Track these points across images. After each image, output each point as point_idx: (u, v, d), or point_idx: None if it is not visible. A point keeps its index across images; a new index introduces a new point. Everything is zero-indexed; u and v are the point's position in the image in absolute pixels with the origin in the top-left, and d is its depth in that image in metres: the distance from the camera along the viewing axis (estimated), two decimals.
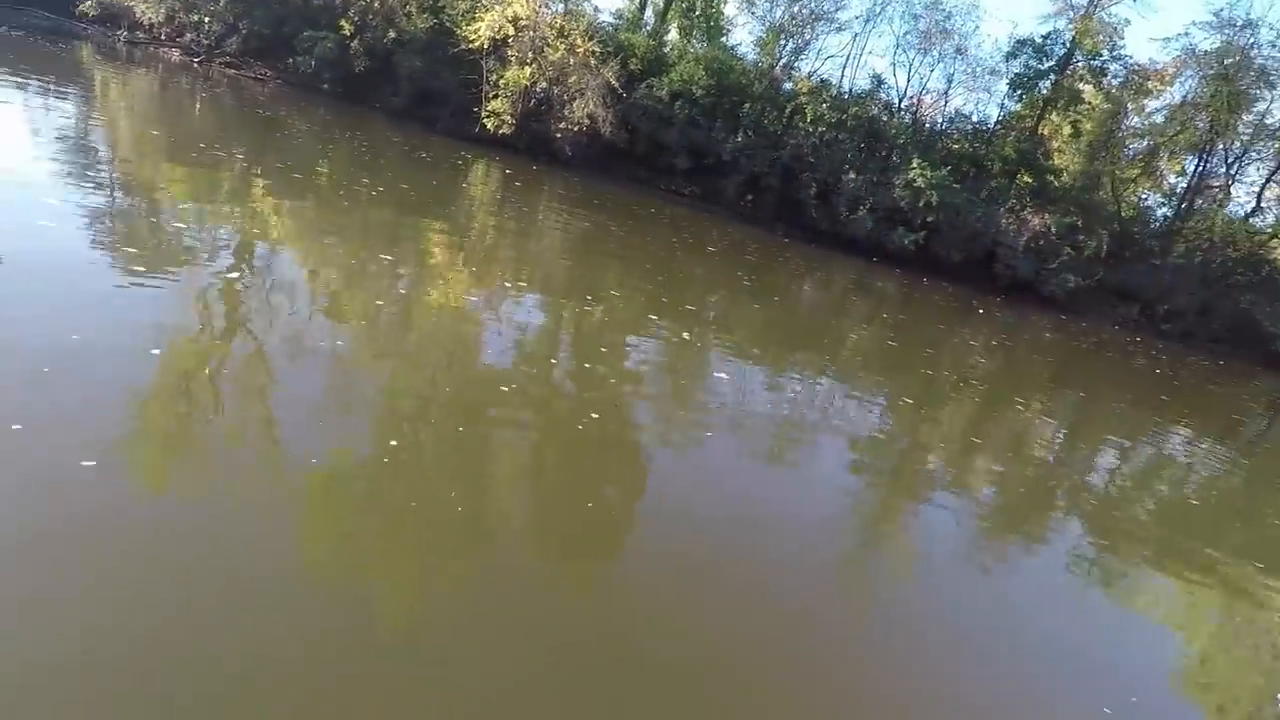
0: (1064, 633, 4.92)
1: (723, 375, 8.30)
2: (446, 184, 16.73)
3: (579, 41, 22.77)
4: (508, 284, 9.78)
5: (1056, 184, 24.68)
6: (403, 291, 8.19)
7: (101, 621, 2.98)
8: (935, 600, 4.93)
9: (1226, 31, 23.55)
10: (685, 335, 9.41)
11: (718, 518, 5.18)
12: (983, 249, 22.97)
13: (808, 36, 26.86)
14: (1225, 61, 23.15)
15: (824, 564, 4.98)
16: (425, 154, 19.46)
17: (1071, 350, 17.62)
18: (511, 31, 22.53)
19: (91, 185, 8.86)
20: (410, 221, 11.90)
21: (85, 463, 3.88)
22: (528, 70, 22.53)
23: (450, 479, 4.76)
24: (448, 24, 23.98)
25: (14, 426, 4.01)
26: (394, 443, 4.96)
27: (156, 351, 5.36)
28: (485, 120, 23.10)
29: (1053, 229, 22.43)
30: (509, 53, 22.78)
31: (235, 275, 7.23)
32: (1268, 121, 24.31)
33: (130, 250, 7.07)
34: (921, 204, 22.28)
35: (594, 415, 6.21)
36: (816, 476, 6.54)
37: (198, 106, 17.74)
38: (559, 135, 23.12)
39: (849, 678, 3.82)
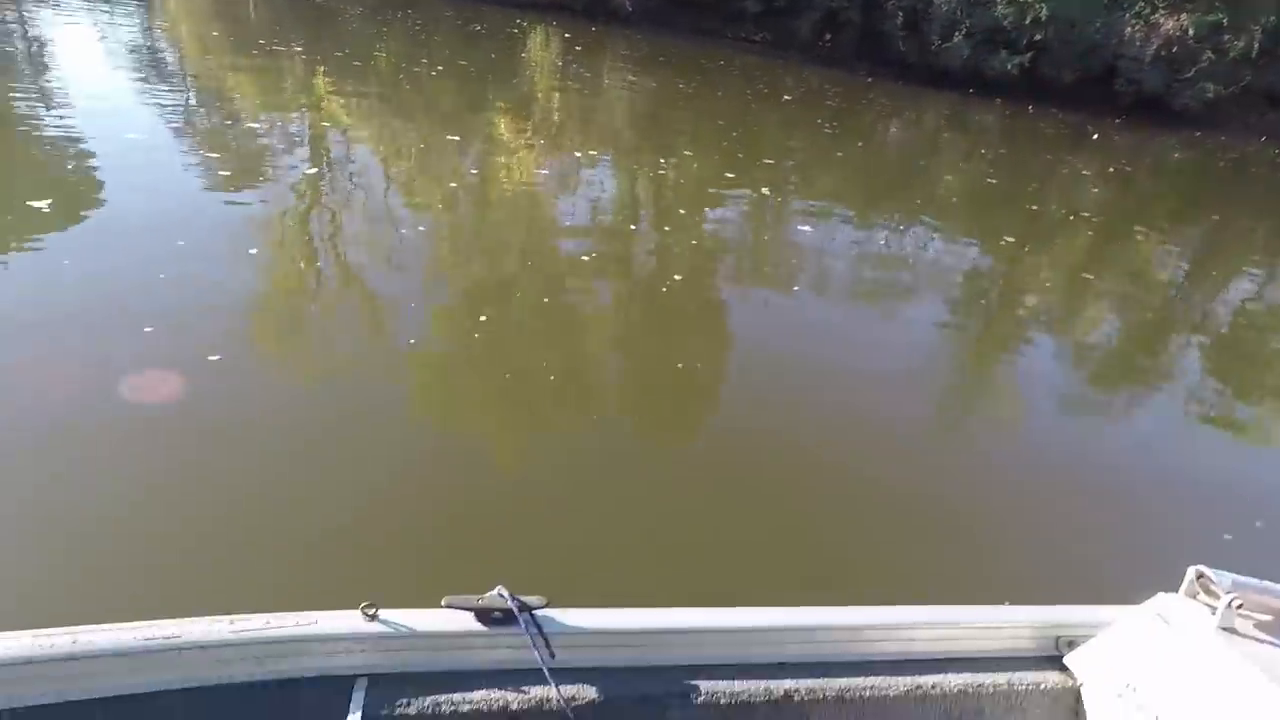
0: (1181, 466, 4.70)
1: (806, 228, 7.94)
2: (505, 55, 16.11)
3: None
4: (578, 153, 9.52)
5: None
6: (474, 171, 8.11)
7: (249, 485, 3.27)
8: (1042, 439, 4.77)
9: None
10: (765, 190, 8.99)
11: (809, 368, 5.10)
12: (1101, 64, 20.36)
13: None
14: None
15: (922, 410, 4.87)
16: (480, 26, 18.69)
17: (1204, 171, 15.80)
18: None
19: (167, 92, 9.03)
20: (473, 97, 11.62)
21: (211, 357, 4.14)
22: None
23: (540, 349, 4.86)
24: None
25: (146, 329, 4.32)
26: (483, 318, 5.07)
27: (254, 251, 5.58)
28: None
29: (1190, 31, 19.51)
30: None
31: (312, 170, 7.33)
32: None
33: (214, 155, 7.24)
34: (1028, 20, 19.77)
35: (676, 277, 6.12)
36: (912, 322, 6.29)
37: (251, 4, 17.50)
38: None
39: (950, 518, 3.80)
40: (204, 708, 1.17)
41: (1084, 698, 1.57)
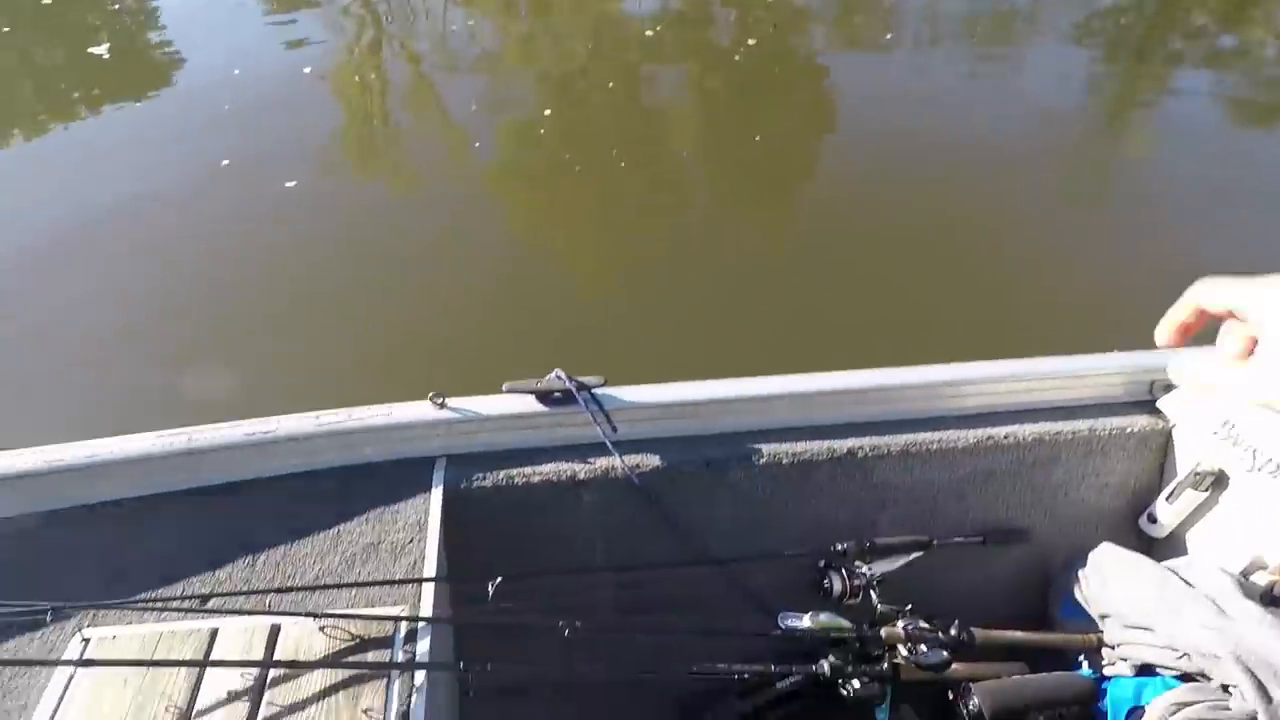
0: None
1: None
2: None
3: None
4: None
5: None
6: None
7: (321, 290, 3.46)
8: (1181, 179, 4.18)
9: None
10: None
11: (906, 129, 4.62)
12: None
13: None
14: None
15: (1039, 171, 4.31)
16: None
17: None
18: None
19: None
20: None
21: (288, 184, 4.24)
22: None
23: (608, 136, 4.65)
24: None
25: (224, 163, 4.44)
26: (548, 111, 4.86)
27: (308, 70, 5.46)
28: None
29: None
30: None
31: None
32: None
33: None
34: None
35: (750, 42, 5.54)
36: (1030, 70, 5.48)
37: None
38: None
39: (1074, 274, 3.50)
40: (303, 490, 1.31)
41: (1175, 439, 1.50)
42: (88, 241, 3.75)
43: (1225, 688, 1.15)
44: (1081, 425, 1.48)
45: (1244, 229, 3.51)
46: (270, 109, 4.95)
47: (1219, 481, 1.40)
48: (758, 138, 4.59)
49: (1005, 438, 1.46)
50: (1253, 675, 1.08)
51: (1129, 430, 1.50)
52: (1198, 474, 1.40)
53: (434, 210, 4.03)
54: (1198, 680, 1.19)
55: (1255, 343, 0.48)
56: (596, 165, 4.32)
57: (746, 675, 1.26)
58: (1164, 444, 1.52)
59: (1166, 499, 1.46)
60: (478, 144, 4.64)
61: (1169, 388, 1.53)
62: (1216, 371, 0.50)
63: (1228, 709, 1.14)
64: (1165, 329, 0.52)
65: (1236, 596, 1.19)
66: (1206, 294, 0.50)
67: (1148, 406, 1.54)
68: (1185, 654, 1.19)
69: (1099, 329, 2.89)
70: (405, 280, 3.45)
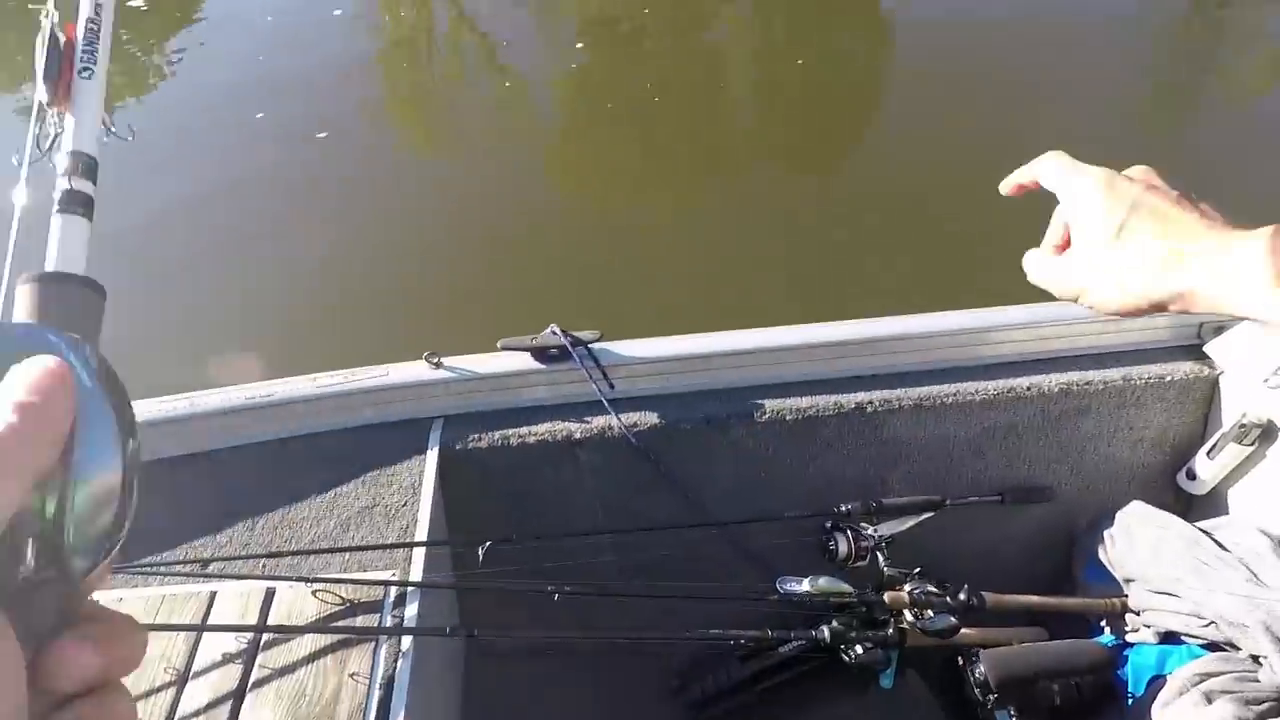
0: None
1: None
2: None
3: None
4: None
5: None
6: None
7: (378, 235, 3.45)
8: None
9: None
10: None
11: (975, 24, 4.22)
12: None
13: None
14: None
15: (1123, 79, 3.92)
16: None
17: None
18: None
19: None
20: None
21: (319, 135, 4.22)
22: None
23: (642, 73, 4.46)
24: None
25: (258, 115, 4.44)
26: (579, 45, 4.69)
27: (339, 12, 5.38)
28: None
29: None
30: None
31: None
32: None
33: None
34: None
35: None
36: None
37: None
38: None
39: None
40: (302, 454, 1.32)
41: (1221, 388, 1.38)
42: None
43: (1255, 658, 1.08)
44: (1115, 374, 1.37)
45: None
46: (310, 56, 4.89)
47: (1267, 434, 1.28)
48: (800, 60, 4.33)
49: (1028, 389, 1.37)
50: None
51: (1169, 378, 1.38)
52: (1243, 425, 1.28)
53: (432, 165, 3.93)
54: (1225, 650, 1.12)
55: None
56: (629, 101, 4.16)
57: (744, 641, 1.24)
58: (1209, 393, 1.40)
59: (1208, 453, 1.35)
60: (508, 83, 4.52)
61: (1220, 330, 1.40)
62: (1036, 260, 0.49)
63: (1256, 680, 1.06)
64: (1006, 183, 0.52)
65: (1273, 561, 1.10)
66: (1043, 169, 0.48)
67: (1194, 351, 1.42)
68: (1212, 622, 1.11)
69: None
70: (400, 236, 3.36)
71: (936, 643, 1.26)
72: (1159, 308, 0.42)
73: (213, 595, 1.15)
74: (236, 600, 1.14)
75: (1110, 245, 0.43)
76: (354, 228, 3.42)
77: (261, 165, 3.92)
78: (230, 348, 2.67)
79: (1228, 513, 1.34)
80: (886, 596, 1.26)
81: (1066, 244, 0.47)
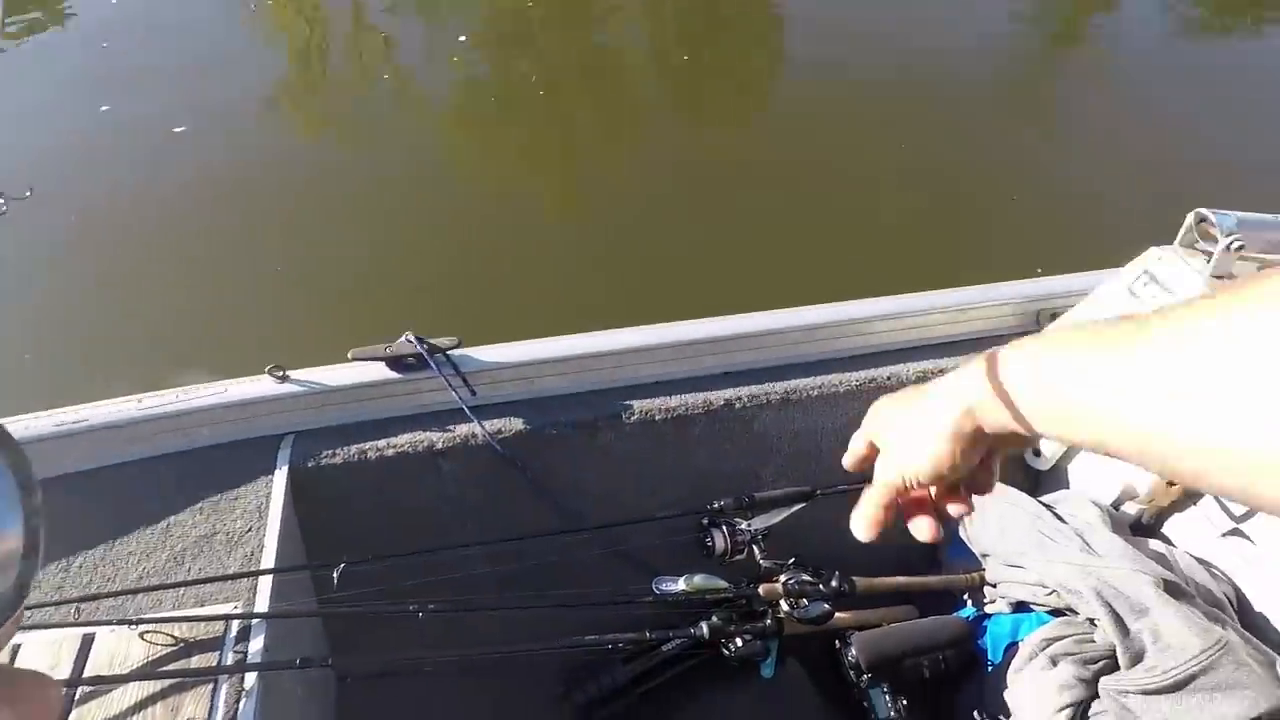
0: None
1: None
2: None
3: None
4: None
5: None
6: None
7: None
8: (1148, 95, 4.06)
9: None
10: None
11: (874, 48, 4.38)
12: None
13: None
14: None
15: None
16: None
17: None
18: None
19: None
20: None
21: (176, 129, 3.89)
22: None
23: (525, 55, 4.38)
24: None
25: (103, 108, 4.06)
26: (462, 38, 4.55)
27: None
28: None
29: None
30: None
31: None
32: None
33: None
34: None
35: None
36: None
37: None
38: None
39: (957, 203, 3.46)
40: (127, 483, 1.20)
41: None
42: None
43: (1091, 620, 1.15)
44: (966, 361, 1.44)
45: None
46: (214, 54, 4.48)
47: None
48: (685, 58, 4.38)
49: (889, 378, 1.42)
50: (1110, 609, 1.07)
51: None
52: None
53: (277, 151, 3.70)
54: (1067, 615, 1.19)
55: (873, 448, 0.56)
56: (510, 83, 4.08)
57: (623, 644, 1.21)
58: None
59: None
60: (385, 76, 4.34)
61: (1054, 316, 1.50)
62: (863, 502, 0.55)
63: (1093, 641, 1.13)
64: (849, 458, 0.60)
65: (1103, 530, 1.18)
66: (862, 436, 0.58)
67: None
68: (1054, 590, 1.18)
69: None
70: (234, 237, 3.10)
71: (812, 629, 1.28)
72: (964, 439, 0.48)
73: (16, 649, 1.01)
74: (45, 651, 1.01)
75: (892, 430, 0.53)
76: (186, 231, 3.13)
77: (98, 161, 3.58)
78: (22, 369, 2.39)
79: (1068, 486, 1.44)
80: (762, 589, 1.27)
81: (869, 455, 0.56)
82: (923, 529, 0.53)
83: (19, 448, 0.22)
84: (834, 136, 3.61)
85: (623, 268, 2.93)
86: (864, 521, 0.53)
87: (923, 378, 1.42)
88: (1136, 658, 1.03)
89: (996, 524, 1.31)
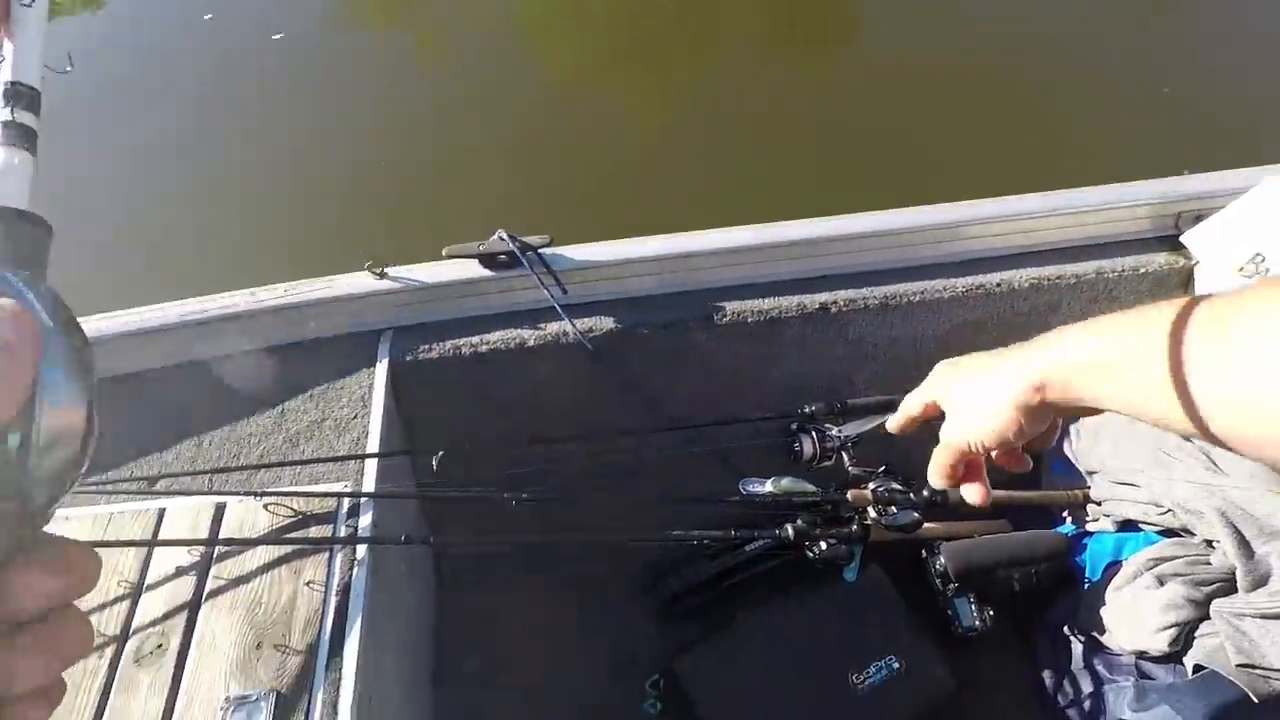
0: None
1: None
2: None
3: None
4: None
5: None
6: None
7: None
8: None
9: None
10: None
11: None
12: None
13: None
14: None
15: None
16: None
17: None
18: None
19: None
20: None
21: (275, 36, 3.95)
22: None
23: None
24: None
25: (205, 16, 4.16)
26: None
27: None
28: None
29: None
30: None
31: None
32: None
33: None
34: None
35: None
36: None
37: None
38: None
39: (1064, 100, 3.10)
40: (246, 369, 1.28)
41: (1196, 279, 1.34)
42: None
43: (1209, 543, 1.08)
44: (1088, 267, 1.33)
45: None
46: None
47: None
48: None
49: (998, 285, 1.33)
50: (1236, 530, 1.00)
51: (1144, 270, 1.34)
52: None
53: (367, 60, 3.70)
54: (1180, 535, 1.12)
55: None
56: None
57: (708, 541, 1.24)
58: (1184, 284, 1.37)
59: None
60: None
61: (1199, 218, 1.35)
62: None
63: (1208, 563, 1.07)
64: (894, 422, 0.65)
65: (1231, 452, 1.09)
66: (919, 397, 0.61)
67: (1170, 242, 1.37)
68: (1170, 510, 1.11)
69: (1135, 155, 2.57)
70: (339, 138, 3.17)
71: (900, 537, 1.26)
72: (1030, 412, 0.49)
73: (161, 512, 1.12)
74: (186, 516, 1.12)
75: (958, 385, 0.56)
76: (289, 131, 3.22)
77: (203, 69, 3.71)
78: (161, 264, 2.56)
79: None
80: (850, 495, 1.26)
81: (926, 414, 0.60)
82: (973, 493, 0.56)
83: (83, 331, 0.24)
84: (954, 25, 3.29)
85: (719, 169, 2.84)
86: (939, 474, 0.57)
87: (1037, 286, 1.33)
88: (1260, 581, 0.97)
89: (1109, 441, 1.23)
